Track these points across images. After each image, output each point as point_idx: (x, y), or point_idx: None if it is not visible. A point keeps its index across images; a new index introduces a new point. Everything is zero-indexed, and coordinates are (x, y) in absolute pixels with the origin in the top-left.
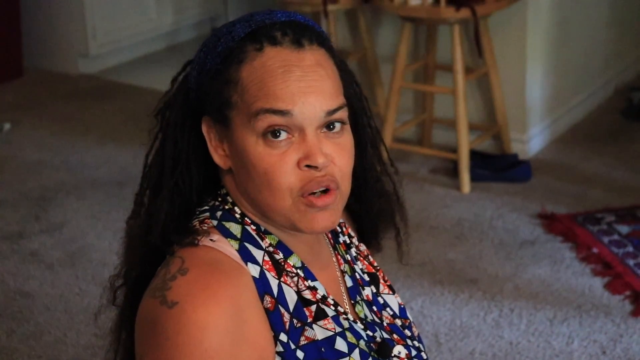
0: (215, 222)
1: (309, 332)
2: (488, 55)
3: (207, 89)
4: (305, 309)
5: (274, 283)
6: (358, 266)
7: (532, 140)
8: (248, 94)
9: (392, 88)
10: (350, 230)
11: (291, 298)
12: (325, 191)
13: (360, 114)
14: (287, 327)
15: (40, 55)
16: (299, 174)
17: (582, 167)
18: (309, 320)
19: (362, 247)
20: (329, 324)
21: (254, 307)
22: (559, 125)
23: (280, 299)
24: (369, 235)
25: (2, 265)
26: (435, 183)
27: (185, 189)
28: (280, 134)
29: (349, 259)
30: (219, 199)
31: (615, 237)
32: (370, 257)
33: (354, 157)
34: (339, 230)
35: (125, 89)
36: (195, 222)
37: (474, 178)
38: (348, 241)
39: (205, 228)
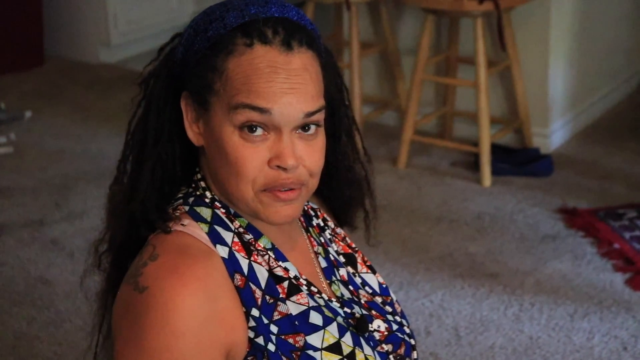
0: (187, 208)
1: (282, 307)
2: (510, 49)
3: (192, 68)
4: (277, 285)
5: (244, 262)
6: (333, 248)
7: (553, 134)
8: (231, 86)
9: (413, 81)
10: (325, 215)
11: (262, 276)
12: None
13: (338, 105)
14: (259, 302)
15: (62, 44)
16: (266, 172)
17: (603, 162)
18: (282, 296)
19: (339, 230)
20: (303, 299)
21: (223, 287)
22: (581, 119)
23: (251, 277)
24: (341, 218)
25: (23, 253)
26: (456, 176)
27: (168, 160)
28: (256, 129)
29: (323, 241)
30: (193, 185)
31: (637, 232)
32: (347, 239)
33: (324, 157)
34: (313, 214)
35: None
36: (169, 210)
37: (495, 172)
38: (322, 224)
39: (177, 214)
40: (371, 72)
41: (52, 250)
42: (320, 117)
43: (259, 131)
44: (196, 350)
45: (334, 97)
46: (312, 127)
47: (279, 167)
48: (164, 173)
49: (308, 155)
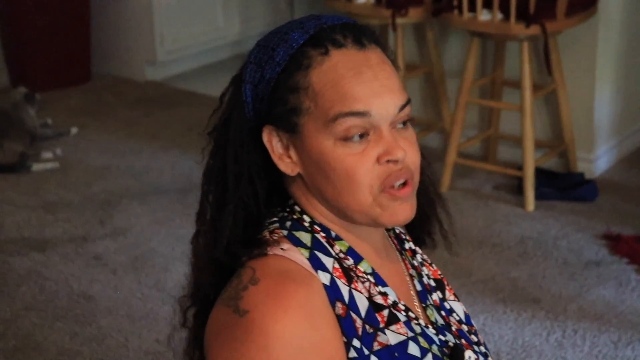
0: (285, 232)
1: (381, 338)
2: (557, 73)
3: (269, 98)
4: (377, 314)
5: (344, 290)
6: (424, 272)
7: (599, 159)
8: (323, 99)
9: (458, 103)
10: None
11: (362, 304)
12: (404, 183)
13: None
14: (359, 332)
15: (108, 61)
16: (379, 170)
17: None
18: (381, 325)
19: (425, 256)
20: (401, 328)
21: (324, 315)
22: (626, 144)
23: (352, 305)
24: (421, 231)
25: (66, 268)
26: (499, 200)
27: (250, 202)
28: (357, 134)
29: (416, 264)
30: (287, 210)
31: None
32: (434, 265)
33: (419, 150)
34: (404, 237)
35: (190, 96)
36: (265, 233)
37: (538, 196)
38: (413, 247)
39: (275, 238)
40: (416, 93)
41: (95, 266)
42: (409, 109)
43: (361, 134)
44: None
45: None
46: (405, 121)
47: (389, 161)
48: (247, 216)
49: (408, 148)
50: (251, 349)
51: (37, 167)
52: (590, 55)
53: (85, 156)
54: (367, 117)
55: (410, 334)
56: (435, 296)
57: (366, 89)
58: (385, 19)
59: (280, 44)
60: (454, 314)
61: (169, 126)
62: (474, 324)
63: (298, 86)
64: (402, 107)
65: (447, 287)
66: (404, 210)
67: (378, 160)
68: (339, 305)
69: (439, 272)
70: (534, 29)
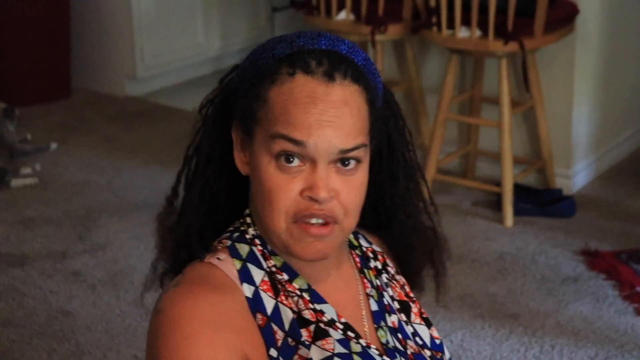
0: (229, 243)
1: (302, 351)
2: (535, 89)
3: (242, 97)
4: (303, 329)
5: (269, 302)
6: (388, 292)
7: (577, 175)
8: (271, 115)
9: (437, 119)
10: (388, 261)
11: (287, 317)
12: (324, 223)
13: (399, 147)
14: (279, 344)
15: (88, 77)
16: (299, 202)
17: (627, 204)
18: (305, 339)
19: (399, 277)
20: (329, 344)
21: (239, 321)
22: (604, 161)
23: (274, 317)
24: (407, 271)
25: (45, 284)
26: (478, 216)
27: (215, 186)
28: (293, 160)
29: (378, 284)
30: (241, 220)
31: None
32: (406, 287)
33: (364, 194)
34: (372, 256)
35: (171, 112)
36: (215, 242)
37: (517, 212)
38: (380, 267)
39: (219, 248)
40: None
41: (73, 282)
42: (359, 154)
43: (296, 162)
44: (211, 351)
45: (394, 138)
46: (352, 162)
47: (310, 198)
48: (212, 199)
49: (344, 191)
50: (166, 333)
51: (16, 182)
52: (568, 72)
53: (65, 172)
54: (302, 146)
55: (340, 351)
56: (395, 318)
57: (309, 120)
58: (364, 36)
59: (268, 51)
60: (417, 338)
61: (149, 142)
62: (446, 352)
63: (260, 95)
64: (347, 151)
65: (414, 311)
66: (314, 249)
67: (301, 193)
68: (259, 316)
69: (412, 295)
70: (512, 46)
